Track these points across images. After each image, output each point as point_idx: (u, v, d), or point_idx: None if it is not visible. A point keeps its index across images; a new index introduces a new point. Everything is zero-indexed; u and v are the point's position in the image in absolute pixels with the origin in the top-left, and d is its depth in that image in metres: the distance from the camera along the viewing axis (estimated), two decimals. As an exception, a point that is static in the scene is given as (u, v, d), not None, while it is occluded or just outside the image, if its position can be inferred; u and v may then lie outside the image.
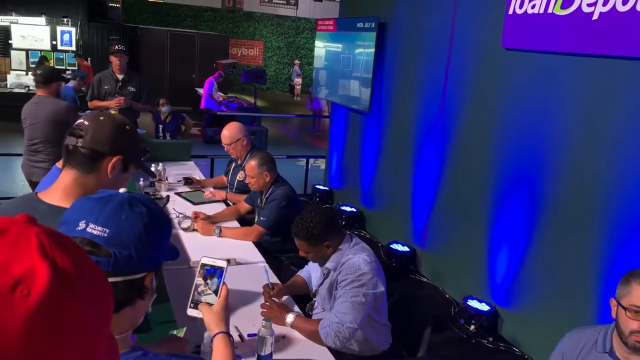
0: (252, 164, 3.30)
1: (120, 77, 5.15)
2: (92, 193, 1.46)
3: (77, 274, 0.48)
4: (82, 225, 0.95)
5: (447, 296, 4.38)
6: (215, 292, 1.47)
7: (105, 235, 0.94)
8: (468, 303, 3.91)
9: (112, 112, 1.59)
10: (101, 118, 1.45)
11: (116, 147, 1.43)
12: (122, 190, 1.05)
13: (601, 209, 3.06)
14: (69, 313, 0.47)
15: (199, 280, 1.49)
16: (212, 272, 1.49)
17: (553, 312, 3.36)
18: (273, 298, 2.40)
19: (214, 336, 1.43)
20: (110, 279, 0.93)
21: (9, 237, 0.48)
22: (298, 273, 2.80)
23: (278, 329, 2.18)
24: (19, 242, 0.48)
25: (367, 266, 2.28)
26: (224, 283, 1.47)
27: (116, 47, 5.15)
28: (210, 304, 1.46)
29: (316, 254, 2.40)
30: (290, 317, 2.26)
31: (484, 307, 3.85)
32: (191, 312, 1.47)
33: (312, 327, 2.23)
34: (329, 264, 2.40)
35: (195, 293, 1.48)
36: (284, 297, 2.50)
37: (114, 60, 5.12)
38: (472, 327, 3.80)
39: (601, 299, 3.03)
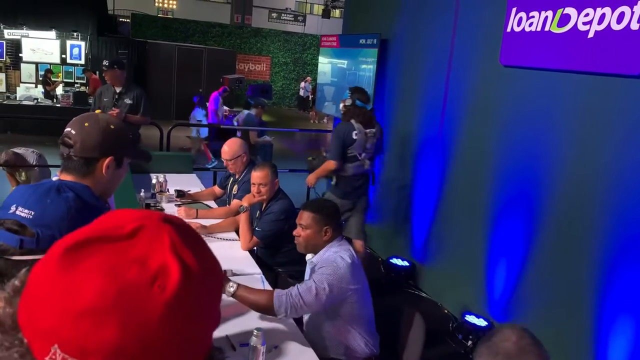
0: (262, 172, 3.31)
1: (118, 89, 5.28)
2: None
3: (201, 270, 0.54)
4: (13, 209, 1.05)
5: (446, 311, 4.37)
6: None
7: (31, 217, 1.03)
8: (466, 318, 3.90)
9: (97, 111, 1.64)
10: (86, 124, 1.50)
11: (105, 150, 1.50)
12: (55, 178, 1.14)
13: (598, 224, 3.06)
14: (195, 302, 0.53)
15: None
16: None
17: (550, 329, 3.34)
18: None
19: None
20: (37, 257, 0.99)
21: (146, 234, 0.53)
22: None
23: (270, 339, 2.20)
24: (154, 239, 0.53)
25: (342, 262, 2.35)
26: None
27: (103, 64, 5.44)
28: None
29: (313, 233, 2.47)
30: (232, 286, 2.27)
31: (482, 322, 3.84)
32: None
33: (257, 295, 2.29)
34: (314, 259, 2.48)
35: None
36: None
37: (106, 75, 5.36)
38: (470, 342, 3.79)
39: (599, 314, 3.03)
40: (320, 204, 2.54)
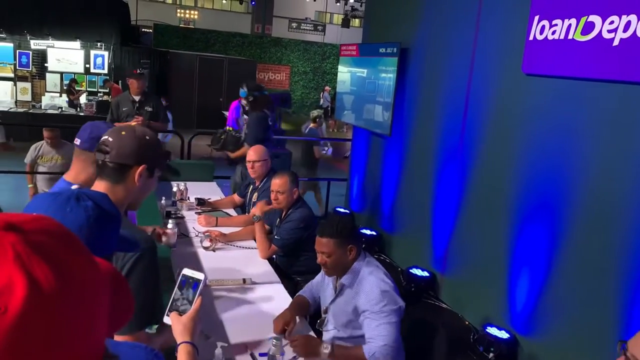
0: (281, 180, 3.35)
1: (137, 98, 5.40)
2: (123, 201, 1.58)
3: (59, 283, 0.46)
4: None
5: (467, 323, 4.31)
6: (191, 302, 1.52)
7: None
8: (487, 330, 3.84)
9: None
10: (123, 133, 1.57)
11: (140, 158, 1.56)
12: (75, 186, 1.13)
13: (625, 234, 3.00)
14: (51, 323, 0.45)
15: (177, 289, 1.54)
16: (189, 283, 1.55)
17: (575, 342, 3.28)
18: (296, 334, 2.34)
19: (178, 345, 1.49)
20: None
21: None
22: (299, 293, 2.76)
23: (290, 350, 2.19)
24: None
25: (387, 286, 2.30)
26: (199, 295, 1.51)
27: (137, 70, 5.50)
28: (181, 314, 1.50)
29: (338, 258, 2.36)
30: (327, 347, 2.20)
31: (504, 334, 3.77)
32: (166, 319, 1.52)
33: (354, 352, 2.23)
34: (344, 280, 2.40)
35: (172, 302, 1.54)
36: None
37: (133, 82, 5.39)
38: (491, 354, 3.73)
39: (625, 327, 2.95)
40: (336, 226, 2.37)
